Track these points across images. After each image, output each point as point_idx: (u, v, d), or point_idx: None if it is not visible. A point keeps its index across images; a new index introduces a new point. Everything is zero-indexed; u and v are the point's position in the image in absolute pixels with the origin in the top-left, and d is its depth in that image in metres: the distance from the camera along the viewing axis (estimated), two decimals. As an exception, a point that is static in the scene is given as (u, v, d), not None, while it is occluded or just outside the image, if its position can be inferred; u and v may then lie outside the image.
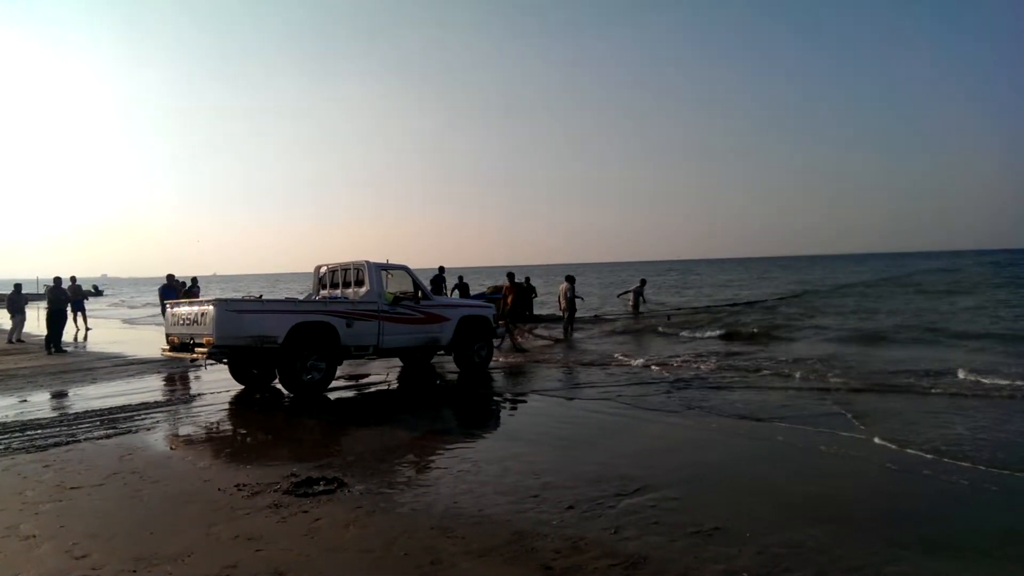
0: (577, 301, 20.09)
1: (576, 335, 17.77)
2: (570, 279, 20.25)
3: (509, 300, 18.79)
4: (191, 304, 10.01)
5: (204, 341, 9.30)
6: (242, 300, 10.01)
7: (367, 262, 10.92)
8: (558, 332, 18.23)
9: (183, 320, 9.95)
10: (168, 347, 10.32)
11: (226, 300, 9.66)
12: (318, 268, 12.14)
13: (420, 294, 11.33)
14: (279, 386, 10.30)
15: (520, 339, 15.92)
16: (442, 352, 12.14)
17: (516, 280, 19.56)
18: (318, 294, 11.92)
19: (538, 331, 17.72)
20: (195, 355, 9.53)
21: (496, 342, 15.40)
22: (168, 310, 10.64)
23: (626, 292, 24.82)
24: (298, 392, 9.69)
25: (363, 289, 10.89)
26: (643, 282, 24.58)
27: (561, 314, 20.09)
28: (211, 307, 9.34)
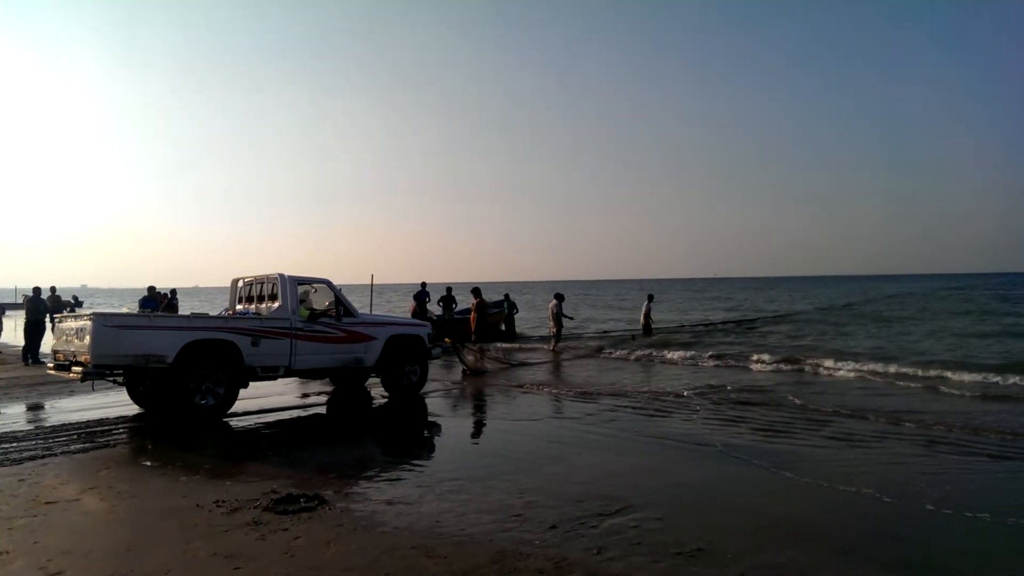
0: (565, 320, 20.15)
1: (532, 356, 17.70)
2: (559, 297, 20.32)
3: (474, 317, 18.64)
4: (76, 319, 9.24)
5: (83, 359, 8.58)
6: (125, 315, 9.45)
7: (280, 275, 10.21)
8: (527, 353, 18.19)
9: (67, 335, 9.19)
10: (53, 365, 9.54)
11: (105, 315, 9.01)
12: (235, 281, 11.46)
13: (342, 311, 10.57)
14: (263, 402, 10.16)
15: (472, 359, 15.06)
16: (375, 375, 11.38)
17: (482, 295, 19.47)
18: (233, 309, 11.29)
19: (492, 352, 16.47)
20: (73, 374, 8.76)
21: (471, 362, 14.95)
22: (56, 324, 9.90)
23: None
24: (190, 417, 8.90)
25: (275, 304, 10.20)
26: (650, 298, 23.57)
27: (550, 332, 20.16)
28: (89, 322, 8.58)
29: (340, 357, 10.54)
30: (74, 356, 8.85)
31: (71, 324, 9.18)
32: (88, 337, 8.47)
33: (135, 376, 9.14)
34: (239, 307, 11.21)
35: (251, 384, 10.06)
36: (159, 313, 14.66)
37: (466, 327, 18.96)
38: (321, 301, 10.81)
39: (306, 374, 10.69)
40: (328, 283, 10.81)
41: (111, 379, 9.16)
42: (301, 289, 10.57)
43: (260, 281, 10.81)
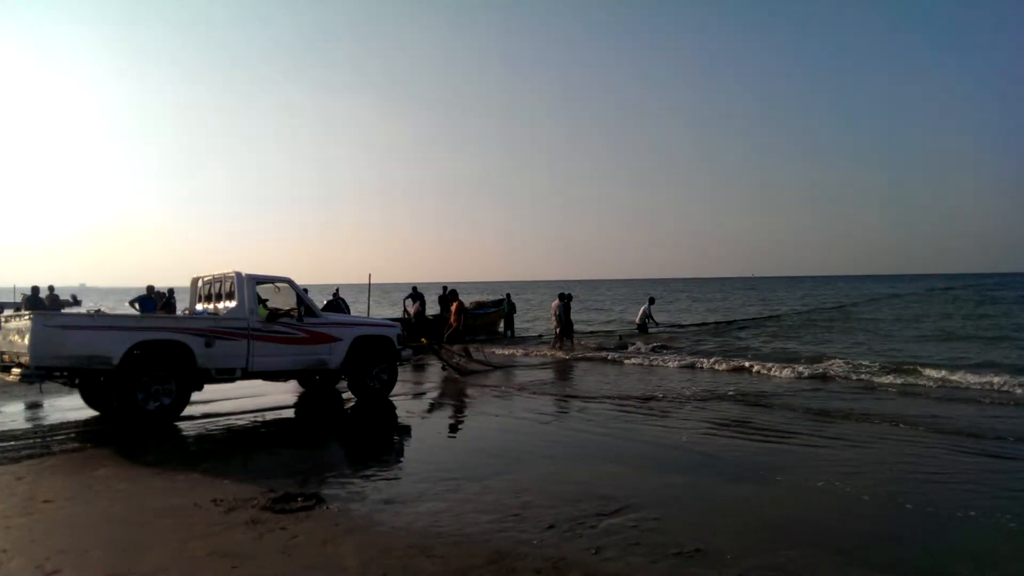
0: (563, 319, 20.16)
1: (523, 358, 17.59)
2: (561, 296, 20.36)
3: (453, 319, 17.97)
4: (19, 318, 8.81)
5: (23, 361, 8.23)
6: (68, 315, 9.02)
7: (237, 273, 9.79)
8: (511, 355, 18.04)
9: (10, 335, 8.75)
10: None
11: (46, 314, 8.60)
12: (195, 280, 11.09)
13: (304, 310, 10.15)
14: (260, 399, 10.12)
15: (456, 360, 14.70)
16: (344, 377, 11.01)
17: (459, 296, 19.11)
18: (193, 308, 11.01)
19: (475, 354, 15.87)
20: (12, 376, 8.39)
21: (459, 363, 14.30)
22: (2, 324, 9.31)
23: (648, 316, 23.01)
24: (138, 422, 8.54)
25: (232, 304, 9.83)
26: (651, 300, 23.77)
27: (554, 331, 20.19)
28: (29, 322, 8.24)
29: (302, 359, 10.16)
30: (17, 357, 8.50)
31: (15, 324, 8.77)
32: (27, 337, 8.13)
33: (84, 378, 8.84)
34: (199, 306, 10.89)
35: (248, 383, 10.02)
36: (157, 313, 14.64)
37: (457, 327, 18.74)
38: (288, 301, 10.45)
39: (266, 376, 10.26)
40: (290, 282, 10.46)
41: (61, 381, 8.87)
42: (263, 288, 10.26)
43: (218, 280, 10.41)
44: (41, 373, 8.23)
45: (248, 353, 9.51)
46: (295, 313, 10.12)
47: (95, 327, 8.64)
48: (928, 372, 12.99)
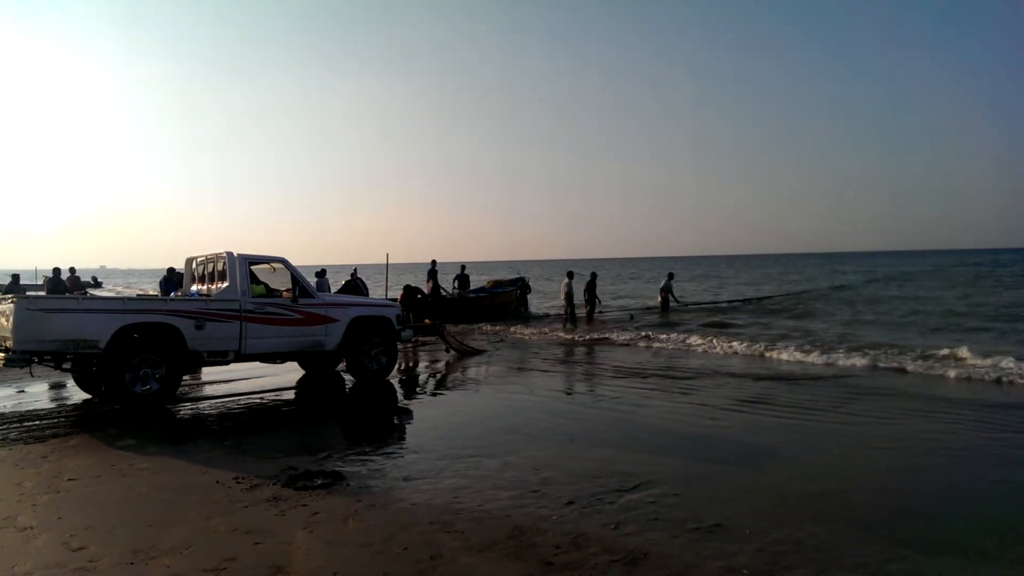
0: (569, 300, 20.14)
1: (537, 337, 17.58)
2: (570, 275, 20.34)
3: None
4: (2, 301, 8.61)
5: (7, 345, 8.11)
6: (51, 298, 8.82)
7: (229, 253, 9.55)
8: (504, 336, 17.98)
9: None
10: None
11: (29, 298, 8.56)
12: (189, 261, 10.88)
13: (299, 290, 9.93)
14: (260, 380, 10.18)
15: (455, 342, 14.65)
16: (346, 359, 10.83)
17: (415, 286, 18.78)
18: (187, 289, 10.82)
19: (475, 334, 15.88)
20: None
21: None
22: None
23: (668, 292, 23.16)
24: (127, 406, 8.42)
25: (224, 284, 9.58)
26: (671, 276, 23.74)
27: (564, 310, 20.16)
28: (11, 305, 8.06)
29: (297, 340, 9.98)
30: (4, 341, 8.31)
31: (0, 307, 8.56)
32: (10, 321, 7.99)
33: (74, 362, 8.76)
34: (193, 288, 10.70)
35: (257, 364, 9.99)
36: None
37: (476, 307, 18.49)
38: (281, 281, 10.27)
39: (260, 359, 10.09)
40: (285, 262, 10.15)
41: (49, 365, 8.76)
42: (259, 268, 10.11)
43: (211, 260, 10.16)
44: (24, 357, 8.10)
45: (241, 335, 9.33)
46: (285, 293, 9.96)
47: (80, 310, 8.46)
48: (952, 351, 12.77)
